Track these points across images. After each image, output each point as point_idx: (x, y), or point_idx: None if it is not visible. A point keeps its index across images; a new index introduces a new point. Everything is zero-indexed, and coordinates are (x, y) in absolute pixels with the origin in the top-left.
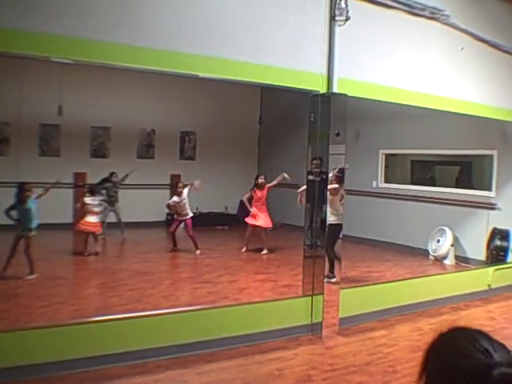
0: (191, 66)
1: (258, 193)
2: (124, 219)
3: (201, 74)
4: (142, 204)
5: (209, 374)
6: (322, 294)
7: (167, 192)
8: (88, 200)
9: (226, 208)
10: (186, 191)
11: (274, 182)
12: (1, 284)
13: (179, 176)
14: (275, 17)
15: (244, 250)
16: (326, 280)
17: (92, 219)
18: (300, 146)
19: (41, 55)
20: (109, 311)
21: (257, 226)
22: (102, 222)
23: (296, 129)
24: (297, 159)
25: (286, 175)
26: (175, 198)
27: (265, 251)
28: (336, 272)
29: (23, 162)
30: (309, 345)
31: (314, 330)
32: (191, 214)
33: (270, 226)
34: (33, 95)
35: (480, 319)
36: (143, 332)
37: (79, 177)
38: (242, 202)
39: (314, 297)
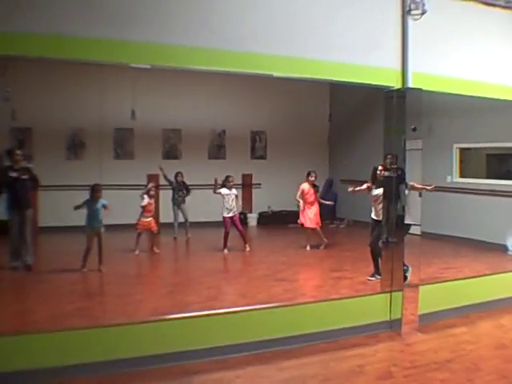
0: (266, 66)
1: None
2: (197, 219)
3: (275, 74)
4: (214, 203)
5: (289, 369)
6: (401, 290)
7: (239, 191)
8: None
9: (298, 206)
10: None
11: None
12: (82, 282)
13: (251, 175)
14: (348, 14)
15: (308, 247)
16: (372, 278)
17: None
18: (370, 142)
19: (120, 62)
20: (187, 309)
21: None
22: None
23: (366, 125)
24: (367, 156)
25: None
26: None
27: (321, 247)
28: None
29: (99, 165)
30: (388, 341)
31: (393, 326)
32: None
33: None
34: (107, 101)
35: None
36: (223, 329)
37: (152, 178)
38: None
39: (392, 293)
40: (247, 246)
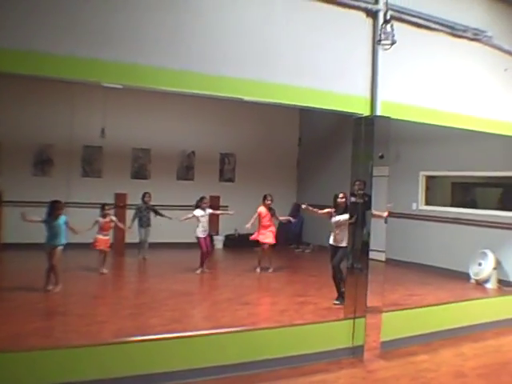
0: (236, 89)
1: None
2: (163, 239)
3: (246, 98)
4: (181, 224)
5: None
6: (364, 317)
7: None
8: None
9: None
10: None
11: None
12: (44, 301)
13: (218, 197)
14: (319, 41)
15: (258, 270)
16: (337, 302)
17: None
18: (339, 168)
19: (92, 80)
20: (151, 331)
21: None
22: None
23: (335, 151)
24: (336, 181)
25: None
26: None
27: (270, 269)
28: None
29: (66, 182)
30: (351, 368)
31: (355, 353)
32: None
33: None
34: (77, 118)
35: None
36: (186, 352)
37: (120, 197)
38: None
39: (355, 319)
40: (200, 269)
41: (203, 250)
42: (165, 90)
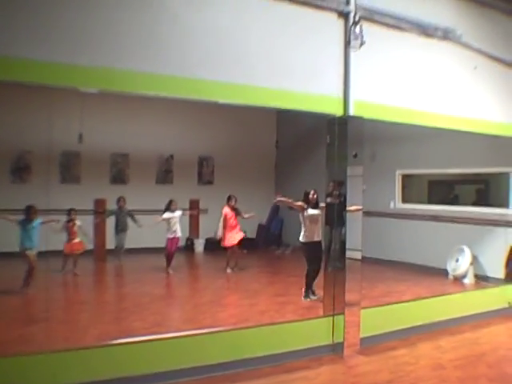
0: (210, 92)
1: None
2: (142, 244)
3: (220, 101)
4: (161, 229)
5: None
6: (343, 314)
7: (186, 217)
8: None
9: (245, 232)
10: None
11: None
12: (26, 308)
13: (198, 201)
14: (291, 43)
15: (229, 270)
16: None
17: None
18: (316, 168)
19: (69, 85)
20: (133, 335)
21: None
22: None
23: (312, 152)
24: (313, 182)
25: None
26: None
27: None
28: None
29: (44, 189)
30: (331, 364)
31: (335, 349)
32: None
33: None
34: (54, 124)
35: (500, 336)
36: (170, 354)
37: (99, 203)
38: (260, 225)
39: (334, 317)
40: (170, 269)
41: (169, 249)
42: (141, 93)
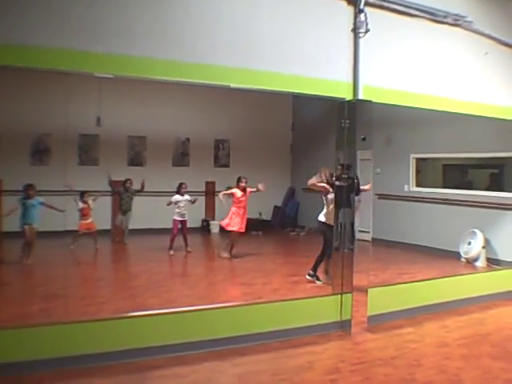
0: (224, 77)
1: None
2: (159, 225)
3: (232, 85)
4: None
5: (243, 365)
6: (351, 292)
7: (203, 199)
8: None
9: (260, 214)
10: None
11: (254, 189)
12: (44, 285)
13: (214, 183)
14: (302, 29)
15: (226, 254)
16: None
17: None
18: (331, 151)
19: (84, 71)
20: (147, 310)
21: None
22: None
23: (327, 135)
24: (328, 165)
25: (261, 187)
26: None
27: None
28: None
29: (64, 171)
30: (338, 340)
31: (343, 326)
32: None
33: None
34: (73, 107)
35: (507, 317)
36: (181, 327)
37: (117, 185)
38: (276, 208)
39: (343, 295)
40: (188, 248)
41: (174, 231)
42: (155, 78)
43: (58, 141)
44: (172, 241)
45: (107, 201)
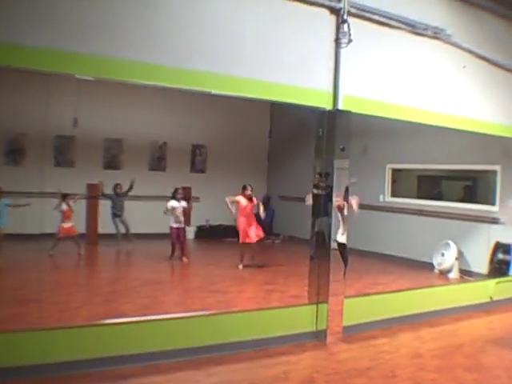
0: (205, 83)
1: (248, 205)
2: (135, 230)
3: (214, 91)
4: (153, 215)
5: (218, 375)
6: (327, 302)
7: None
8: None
9: (235, 221)
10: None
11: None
12: (18, 289)
13: (190, 189)
14: (284, 37)
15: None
16: None
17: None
18: (308, 160)
19: (67, 73)
20: (121, 317)
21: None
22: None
23: (304, 143)
24: (305, 173)
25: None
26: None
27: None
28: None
29: (39, 172)
30: (313, 350)
31: (318, 336)
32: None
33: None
34: (50, 107)
35: (479, 329)
36: (156, 335)
37: (92, 188)
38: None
39: (318, 305)
40: (184, 258)
41: (173, 240)
42: (137, 82)
43: (33, 141)
44: (173, 247)
45: (83, 204)
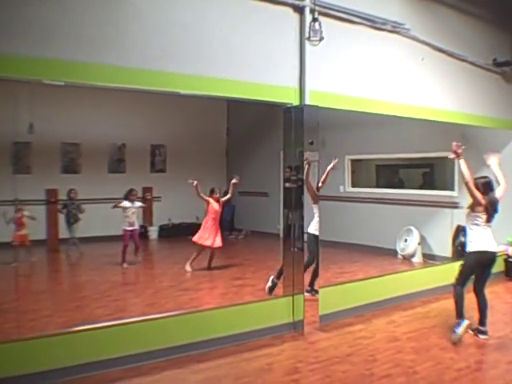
0: (172, 83)
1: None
2: (96, 233)
3: (182, 92)
4: (114, 217)
5: (203, 371)
6: (302, 293)
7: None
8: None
9: (197, 218)
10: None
11: (230, 194)
12: None
13: (151, 188)
14: (249, 35)
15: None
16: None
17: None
18: (266, 155)
19: (32, 79)
20: (97, 321)
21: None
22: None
23: (263, 139)
24: (264, 168)
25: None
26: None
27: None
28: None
29: None
30: (293, 341)
31: (296, 327)
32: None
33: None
34: (3, 114)
35: (449, 310)
36: (135, 337)
37: (51, 193)
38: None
39: (294, 296)
40: (138, 256)
41: (124, 242)
42: (105, 86)
43: None
44: (124, 253)
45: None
